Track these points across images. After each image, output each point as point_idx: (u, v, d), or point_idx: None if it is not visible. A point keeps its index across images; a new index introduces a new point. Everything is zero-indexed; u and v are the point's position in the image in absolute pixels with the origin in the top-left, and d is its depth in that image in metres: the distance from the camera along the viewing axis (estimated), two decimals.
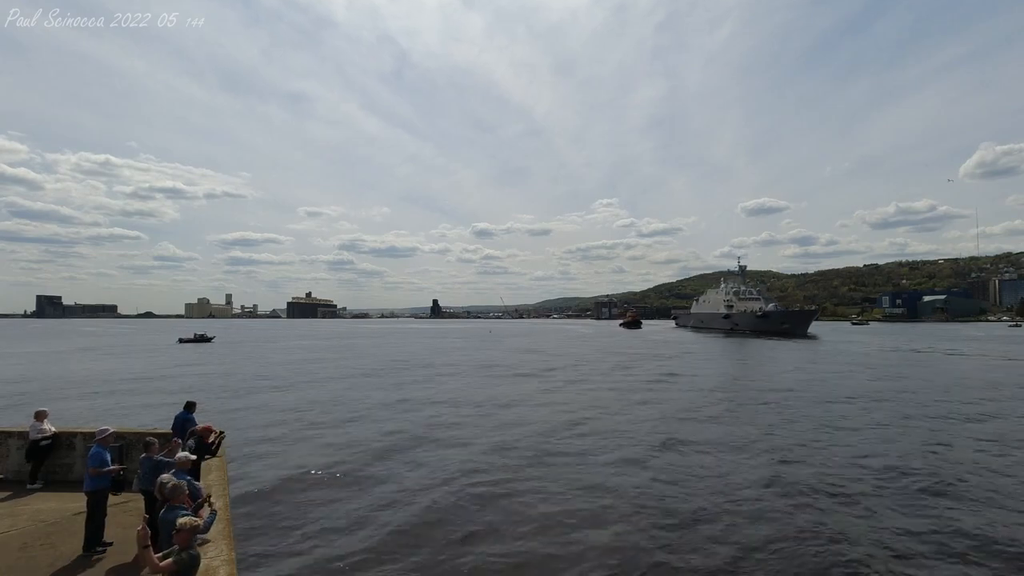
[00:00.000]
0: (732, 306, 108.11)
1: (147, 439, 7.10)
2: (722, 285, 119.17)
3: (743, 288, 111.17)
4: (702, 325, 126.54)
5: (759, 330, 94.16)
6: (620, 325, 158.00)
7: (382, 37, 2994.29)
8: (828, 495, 10.69)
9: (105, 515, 6.72)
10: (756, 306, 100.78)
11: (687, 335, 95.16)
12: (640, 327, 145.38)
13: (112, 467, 6.83)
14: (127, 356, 48.75)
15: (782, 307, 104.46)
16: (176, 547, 4.30)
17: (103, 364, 40.49)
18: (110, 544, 6.63)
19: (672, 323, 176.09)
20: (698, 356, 47.60)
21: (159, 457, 6.81)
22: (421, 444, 15.05)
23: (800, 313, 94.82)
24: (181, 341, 74.00)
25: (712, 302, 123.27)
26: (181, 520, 4.39)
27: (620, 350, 56.95)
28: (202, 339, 75.17)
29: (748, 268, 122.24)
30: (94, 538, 6.55)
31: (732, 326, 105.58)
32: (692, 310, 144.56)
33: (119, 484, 7.22)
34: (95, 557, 6.38)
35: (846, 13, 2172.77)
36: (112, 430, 7.36)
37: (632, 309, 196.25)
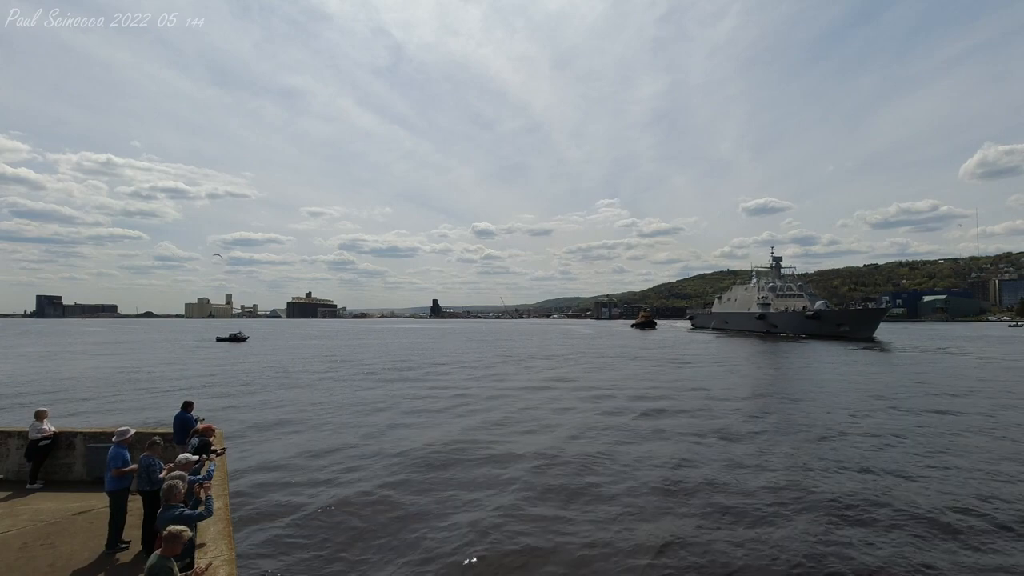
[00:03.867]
0: (768, 304, 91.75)
1: (153, 438, 7.11)
2: (753, 281, 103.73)
3: (780, 284, 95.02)
4: (727, 326, 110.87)
5: (807, 333, 79.27)
6: (632, 326, 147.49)
7: (376, 29, 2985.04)
8: None
9: (126, 514, 6.75)
10: (800, 304, 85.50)
11: (715, 338, 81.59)
12: (654, 328, 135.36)
13: (132, 467, 6.86)
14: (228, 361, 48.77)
15: (833, 305, 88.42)
16: (157, 552, 4.08)
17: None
18: (128, 543, 6.65)
19: (687, 323, 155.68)
20: (792, 373, 32.69)
21: (153, 458, 6.81)
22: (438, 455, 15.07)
23: (864, 312, 76.63)
24: (219, 340, 75.83)
25: (741, 300, 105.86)
26: (173, 528, 4.16)
27: (660, 357, 49.22)
28: (237, 338, 75.62)
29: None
30: (116, 538, 6.57)
31: (769, 328, 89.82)
32: (714, 309, 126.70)
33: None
34: (97, 557, 6.37)
35: (853, 4, 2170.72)
36: (133, 431, 7.37)
37: (646, 309, 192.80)
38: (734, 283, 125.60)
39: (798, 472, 12.38)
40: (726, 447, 14.74)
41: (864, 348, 54.91)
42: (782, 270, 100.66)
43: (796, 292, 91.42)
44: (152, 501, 6.32)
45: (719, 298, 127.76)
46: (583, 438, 15.92)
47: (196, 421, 8.67)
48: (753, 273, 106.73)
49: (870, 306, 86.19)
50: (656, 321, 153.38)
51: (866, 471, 12.45)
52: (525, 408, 21.14)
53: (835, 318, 77.08)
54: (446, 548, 8.42)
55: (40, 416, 8.94)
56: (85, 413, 19.70)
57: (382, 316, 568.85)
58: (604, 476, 12.15)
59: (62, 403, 21.63)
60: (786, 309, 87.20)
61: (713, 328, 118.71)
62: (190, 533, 4.28)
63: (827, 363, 39.63)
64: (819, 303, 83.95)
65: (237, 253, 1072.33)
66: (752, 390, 25.81)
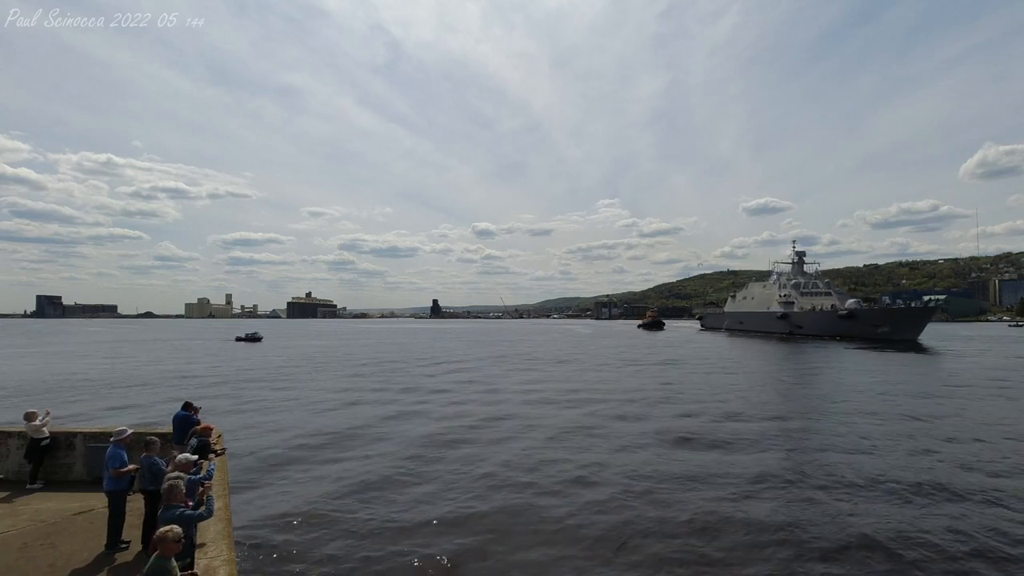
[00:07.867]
0: (792, 303, 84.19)
1: (148, 438, 7.10)
2: (773, 278, 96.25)
3: (804, 281, 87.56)
4: (742, 327, 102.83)
5: (839, 335, 71.46)
6: (639, 326, 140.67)
7: (375, 27, 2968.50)
8: None
9: (125, 514, 6.76)
10: (828, 303, 78.74)
11: (738, 341, 72.80)
12: (662, 328, 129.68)
13: (130, 467, 6.87)
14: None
15: (866, 305, 79.53)
16: (155, 554, 4.07)
17: None
18: (128, 543, 6.66)
19: (694, 323, 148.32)
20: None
21: (155, 458, 6.82)
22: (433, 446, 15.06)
23: (908, 312, 66.91)
24: (238, 340, 76.72)
25: (760, 299, 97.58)
26: (160, 530, 4.15)
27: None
28: (253, 338, 76.19)
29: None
30: (116, 538, 6.59)
31: (792, 329, 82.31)
32: (727, 308, 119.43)
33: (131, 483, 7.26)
34: (97, 557, 6.37)
35: (853, 4, 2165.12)
36: (131, 431, 7.36)
37: (653, 308, 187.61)
38: (732, 282, 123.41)
39: None
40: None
41: (916, 352, 48.07)
42: (805, 266, 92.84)
43: (823, 290, 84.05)
44: (155, 500, 6.30)
45: (732, 296, 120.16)
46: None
47: (196, 421, 8.68)
48: (774, 270, 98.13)
49: (873, 306, 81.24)
50: (663, 321, 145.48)
51: None
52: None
53: (873, 318, 68.79)
54: (445, 549, 8.43)
55: (31, 416, 8.83)
56: (160, 419, 17.45)
57: (382, 316, 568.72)
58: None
59: (135, 407, 20.95)
60: (812, 308, 79.99)
61: (726, 329, 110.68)
62: (178, 531, 4.21)
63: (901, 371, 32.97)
64: (850, 301, 77.05)
65: (237, 253, 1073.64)
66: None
